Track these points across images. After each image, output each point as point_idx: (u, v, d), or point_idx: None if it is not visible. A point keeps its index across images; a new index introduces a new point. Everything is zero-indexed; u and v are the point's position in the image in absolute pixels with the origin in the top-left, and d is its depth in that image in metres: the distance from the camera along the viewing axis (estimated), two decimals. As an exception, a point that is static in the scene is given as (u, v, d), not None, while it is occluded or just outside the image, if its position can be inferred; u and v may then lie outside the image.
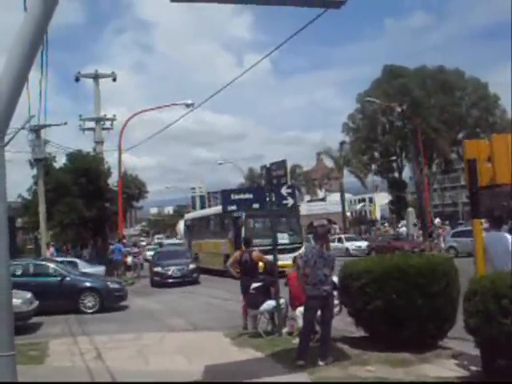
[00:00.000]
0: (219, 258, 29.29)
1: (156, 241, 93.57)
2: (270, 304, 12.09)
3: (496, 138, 8.39)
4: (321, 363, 9.14)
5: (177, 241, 59.36)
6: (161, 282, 27.32)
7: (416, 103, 61.70)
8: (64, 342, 12.82)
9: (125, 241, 34.35)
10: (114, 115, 41.98)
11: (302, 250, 24.99)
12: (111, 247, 32.88)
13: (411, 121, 55.93)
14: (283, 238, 25.85)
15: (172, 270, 27.63)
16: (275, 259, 12.34)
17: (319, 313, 9.96)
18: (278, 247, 13.38)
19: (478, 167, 8.21)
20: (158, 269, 28.23)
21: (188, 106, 31.92)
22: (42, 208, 29.50)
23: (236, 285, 13.91)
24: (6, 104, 6.19)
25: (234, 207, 12.31)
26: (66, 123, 33.01)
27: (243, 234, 25.64)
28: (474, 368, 8.29)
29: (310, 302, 9.58)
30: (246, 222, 27.67)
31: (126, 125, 33.66)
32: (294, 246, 26.35)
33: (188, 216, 46.96)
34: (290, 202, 11.99)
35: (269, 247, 13.24)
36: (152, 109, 37.46)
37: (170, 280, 27.26)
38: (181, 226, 50.59)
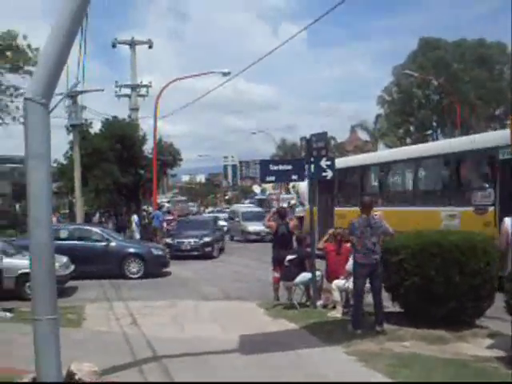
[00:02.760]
0: None
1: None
2: (305, 276, 12.12)
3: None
4: (378, 328, 9.48)
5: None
6: (170, 255, 23.29)
7: (453, 77, 60.59)
8: (100, 307, 13.08)
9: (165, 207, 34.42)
10: (150, 82, 42.04)
11: None
12: (152, 213, 32.91)
13: (448, 95, 55.08)
14: None
15: (183, 243, 25.54)
16: (312, 230, 12.32)
17: (350, 285, 10.13)
18: None
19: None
20: (168, 240, 26.38)
21: (225, 74, 31.72)
22: (77, 173, 29.77)
23: (257, 255, 13.92)
24: (52, 72, 6.24)
25: (272, 178, 12.25)
26: (102, 90, 33.12)
27: None
28: (511, 349, 8.20)
29: (360, 269, 9.73)
30: None
31: (162, 92, 33.57)
32: None
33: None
34: (330, 174, 11.90)
35: None
36: (189, 76, 37.24)
37: (181, 253, 24.86)
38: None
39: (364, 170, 22.34)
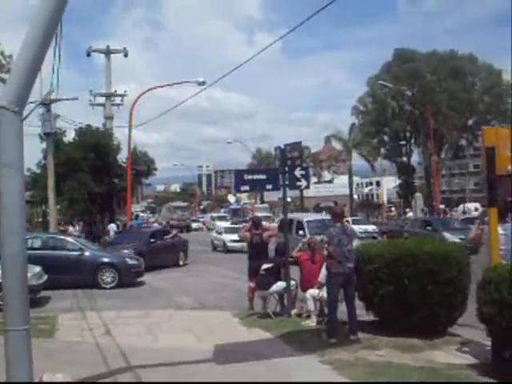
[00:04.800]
0: None
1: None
2: (279, 285, 12.12)
3: (516, 127, 8.32)
4: (352, 337, 9.52)
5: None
6: None
7: (426, 88, 61.29)
8: (73, 317, 12.94)
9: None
10: (125, 91, 41.99)
11: None
12: (130, 223, 32.63)
13: (421, 106, 55.67)
14: None
15: None
16: (286, 240, 12.34)
17: (323, 294, 10.21)
18: None
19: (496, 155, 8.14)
20: None
21: (200, 83, 31.73)
22: (50, 182, 29.48)
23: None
24: (25, 79, 6.19)
25: (246, 187, 12.27)
26: (76, 98, 32.97)
27: None
28: (482, 356, 8.29)
29: (334, 278, 9.73)
30: None
31: (137, 101, 33.48)
32: None
33: None
34: (304, 183, 11.94)
35: None
36: (164, 85, 37.41)
37: None
38: None
39: None
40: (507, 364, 7.29)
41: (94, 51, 40.85)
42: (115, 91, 41.34)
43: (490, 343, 7.98)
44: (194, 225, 75.60)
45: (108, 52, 40.74)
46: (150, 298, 16.37)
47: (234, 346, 9.79)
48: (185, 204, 73.49)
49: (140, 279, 19.54)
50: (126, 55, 41.12)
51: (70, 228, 35.01)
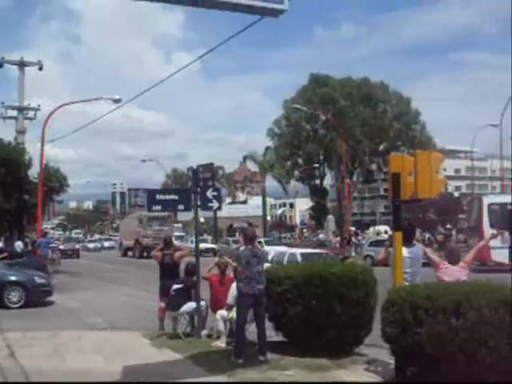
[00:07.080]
0: None
1: (74, 235, 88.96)
2: (190, 306, 12.09)
3: (420, 154, 8.72)
4: (261, 358, 9.54)
5: None
6: None
7: (340, 113, 62.89)
8: (-25, 339, 12.43)
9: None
10: (39, 105, 40.97)
11: None
12: (39, 241, 31.70)
13: (334, 130, 57.08)
14: None
15: None
16: (197, 260, 12.36)
17: (233, 315, 10.29)
18: None
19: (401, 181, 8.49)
20: None
21: (115, 101, 31.44)
22: (-45, 197, 28.41)
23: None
24: None
25: (158, 207, 12.24)
26: (-14, 111, 31.94)
27: None
28: (387, 374, 8.57)
29: (243, 299, 9.81)
30: None
31: (51, 116, 32.76)
32: None
33: None
34: (216, 205, 12.03)
35: None
36: (80, 101, 36.76)
37: None
38: None
39: None
40: (410, 381, 7.56)
41: (7, 63, 39.70)
42: (28, 104, 40.28)
43: (393, 362, 8.26)
44: (107, 244, 74.76)
45: (22, 64, 39.56)
46: (58, 318, 15.93)
47: (143, 367, 9.68)
48: (163, 214, 49.77)
49: (49, 298, 18.98)
50: (40, 68, 40.08)
51: None
